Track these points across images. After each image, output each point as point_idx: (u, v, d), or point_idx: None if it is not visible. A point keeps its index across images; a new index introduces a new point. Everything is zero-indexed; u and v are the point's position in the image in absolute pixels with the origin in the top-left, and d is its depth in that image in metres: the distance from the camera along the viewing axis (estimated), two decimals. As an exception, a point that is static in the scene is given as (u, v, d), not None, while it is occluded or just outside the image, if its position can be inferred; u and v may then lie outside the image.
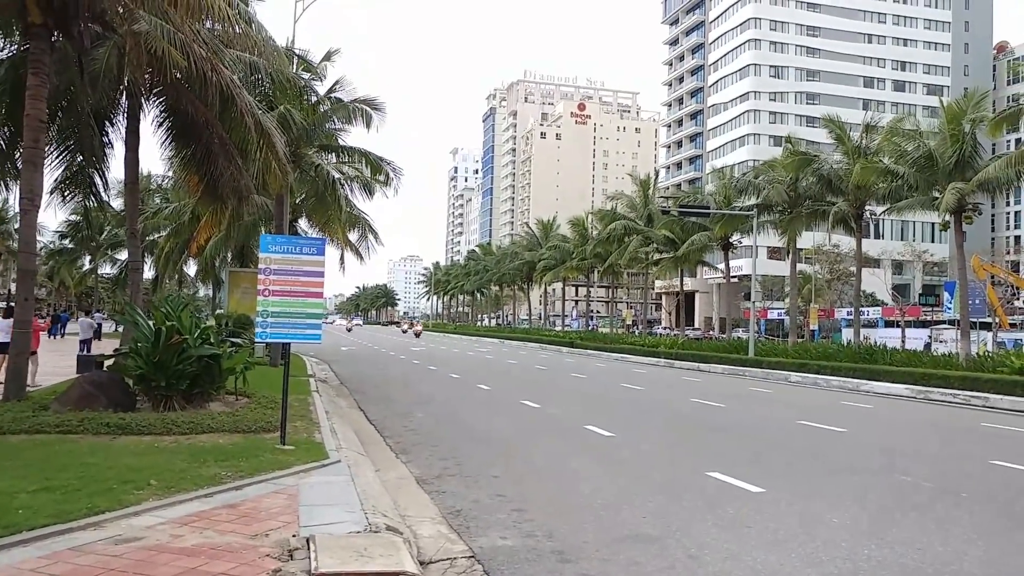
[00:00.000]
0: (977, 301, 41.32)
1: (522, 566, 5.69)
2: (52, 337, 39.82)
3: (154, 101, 15.33)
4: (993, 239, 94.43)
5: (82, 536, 5.48)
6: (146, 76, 13.42)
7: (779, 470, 9.81)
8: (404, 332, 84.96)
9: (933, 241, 79.53)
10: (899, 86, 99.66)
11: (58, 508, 5.94)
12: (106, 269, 66.49)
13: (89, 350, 24.77)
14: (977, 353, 27.49)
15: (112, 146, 16.71)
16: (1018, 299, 60.51)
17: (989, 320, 45.17)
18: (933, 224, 48.72)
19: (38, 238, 56.31)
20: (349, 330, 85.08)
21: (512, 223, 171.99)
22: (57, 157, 15.84)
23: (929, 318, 56.10)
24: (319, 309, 9.71)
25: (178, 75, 13.07)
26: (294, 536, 5.66)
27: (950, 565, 5.92)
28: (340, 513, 6.42)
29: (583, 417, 14.68)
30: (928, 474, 9.73)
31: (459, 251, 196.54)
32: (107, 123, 16.35)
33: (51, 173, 15.83)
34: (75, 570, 4.80)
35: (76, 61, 13.34)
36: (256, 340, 10.37)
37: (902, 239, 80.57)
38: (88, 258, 64.16)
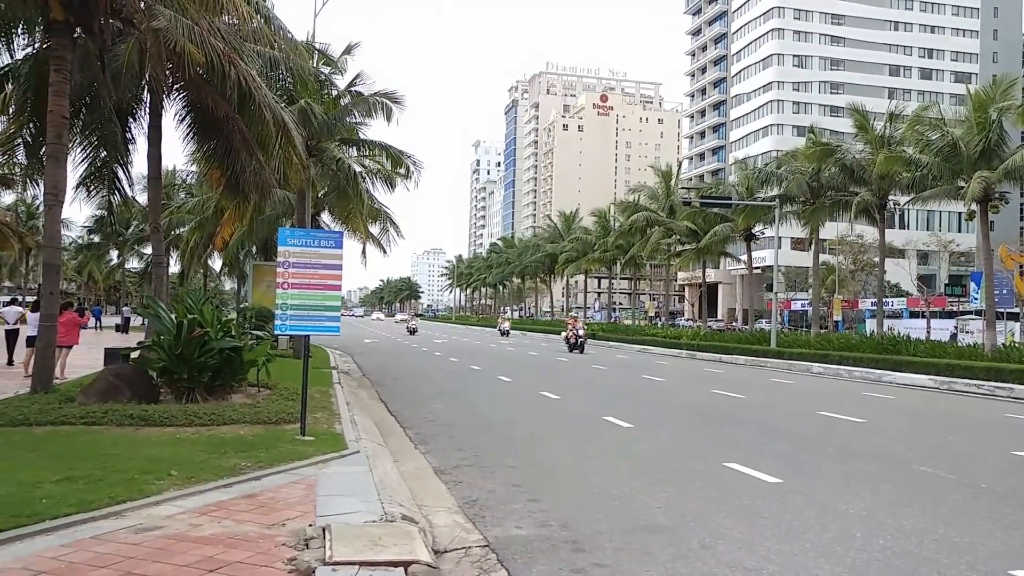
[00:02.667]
0: (1004, 291, 40.76)
1: (536, 556, 5.73)
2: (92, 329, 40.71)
3: (175, 96, 15.51)
4: (1022, 228, 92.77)
5: (103, 525, 5.60)
6: (167, 72, 13.57)
7: (797, 461, 9.77)
8: (505, 334, 60.11)
9: (960, 231, 78.39)
10: (926, 74, 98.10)
11: (80, 498, 6.06)
12: (133, 263, 67.38)
13: None
14: (1003, 344, 27.14)
15: (135, 141, 16.99)
16: (1047, 289, 59.45)
17: (1017, 310, 44.51)
18: (959, 214, 48.07)
19: (66, 233, 56.78)
20: (413, 331, 58.88)
21: (534, 215, 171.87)
22: (81, 153, 16.09)
23: (955, 308, 55.42)
24: (337, 302, 9.80)
25: (199, 70, 13.20)
26: (310, 526, 5.74)
27: (965, 556, 5.89)
28: (357, 503, 6.48)
29: (602, 408, 14.69)
30: (947, 465, 9.64)
31: (482, 244, 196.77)
32: (130, 119, 16.56)
33: (76, 169, 16.12)
34: (96, 558, 4.91)
35: (98, 57, 13.52)
36: (276, 332, 10.49)
37: (928, 229, 79.44)
38: (115, 252, 65.00)
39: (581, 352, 35.96)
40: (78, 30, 12.91)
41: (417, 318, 76.46)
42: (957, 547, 6.11)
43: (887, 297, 54.01)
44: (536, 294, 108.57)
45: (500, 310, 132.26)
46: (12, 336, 20.17)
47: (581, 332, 37.03)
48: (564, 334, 39.09)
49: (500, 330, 62.60)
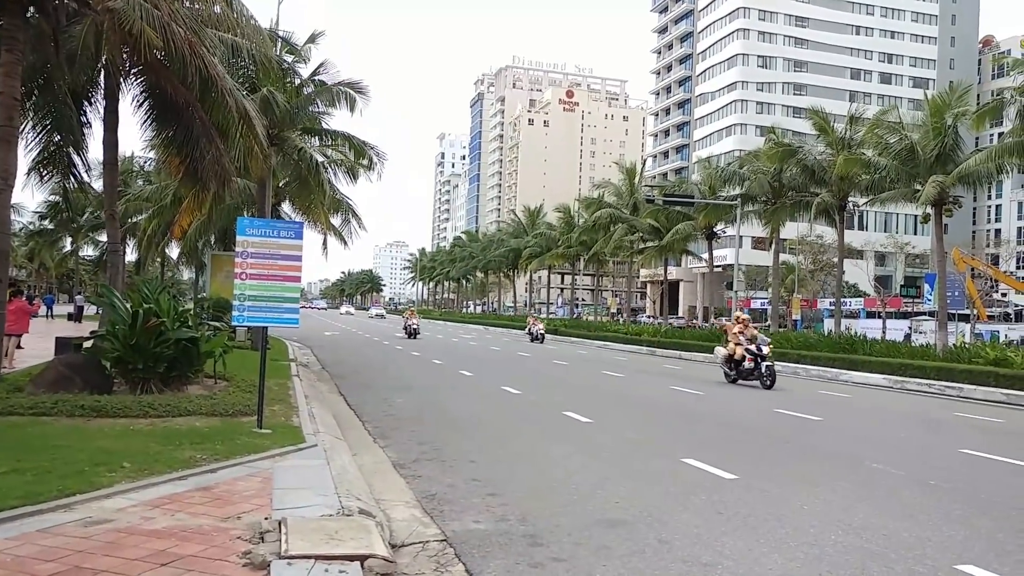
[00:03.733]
0: (956, 293, 41.79)
1: (493, 550, 5.73)
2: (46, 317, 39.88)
3: (133, 81, 15.14)
4: (974, 232, 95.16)
5: (52, 518, 5.45)
6: (124, 55, 13.25)
7: (753, 457, 9.89)
8: (538, 338, 42.97)
9: (916, 233, 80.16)
10: (885, 78, 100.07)
11: (28, 490, 5.90)
12: (88, 251, 65.84)
13: None
14: (954, 344, 27.80)
15: (91, 126, 16.51)
16: (996, 291, 61.16)
17: (968, 312, 45.66)
18: (915, 216, 49.16)
19: (16, 218, 54.90)
20: (413, 334, 42.01)
21: (499, 210, 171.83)
22: (34, 136, 15.64)
23: (910, 309, 56.68)
24: (296, 293, 9.68)
25: (158, 55, 12.91)
26: (266, 519, 5.66)
27: (913, 550, 6.01)
28: (314, 496, 6.42)
29: (563, 403, 14.74)
30: (899, 462, 9.84)
31: (445, 237, 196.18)
32: (85, 102, 16.12)
33: (28, 153, 15.68)
34: (43, 551, 4.78)
35: (52, 38, 13.12)
36: (233, 324, 10.33)
37: (885, 231, 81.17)
38: (69, 240, 63.48)
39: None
40: (31, 9, 12.54)
41: (417, 315, 47.87)
42: (906, 542, 6.24)
43: (845, 297, 55.02)
44: (499, 289, 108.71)
45: (464, 304, 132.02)
46: None
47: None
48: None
49: (532, 333, 44.20)
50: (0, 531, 5.12)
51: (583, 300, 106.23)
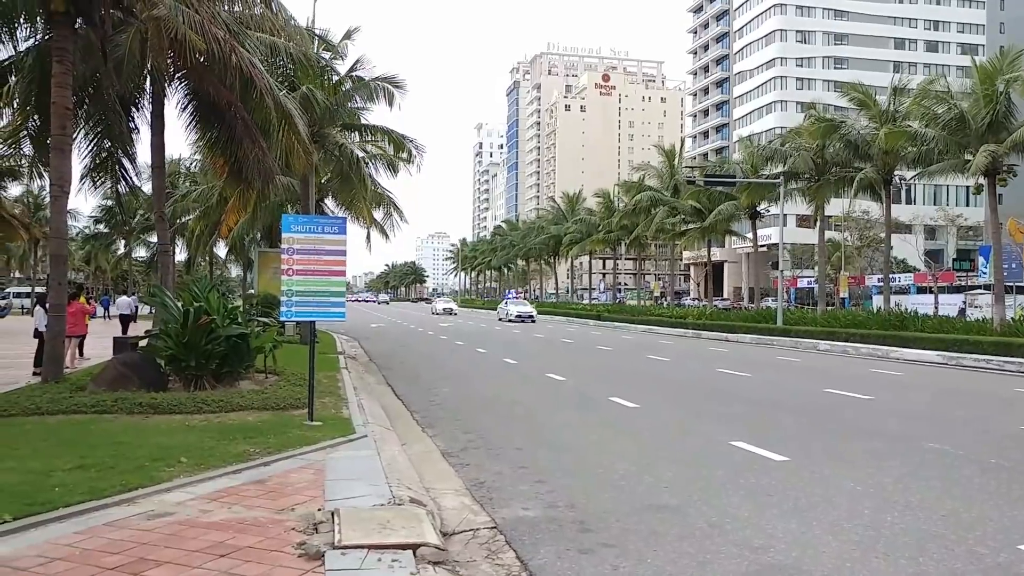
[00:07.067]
0: (1013, 265, 40.57)
1: (543, 536, 5.77)
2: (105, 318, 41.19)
3: (177, 85, 15.46)
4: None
5: (116, 512, 5.66)
6: (168, 61, 13.54)
7: (803, 439, 9.79)
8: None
9: (968, 205, 77.77)
10: (932, 46, 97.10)
11: (92, 485, 6.13)
12: (140, 252, 67.47)
13: None
14: (1012, 318, 27.05)
15: (139, 131, 16.88)
16: (1056, 262, 59.13)
17: (1026, 284, 44.28)
18: (967, 188, 47.81)
19: (73, 223, 56.48)
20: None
21: (538, 197, 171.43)
22: (86, 144, 16.08)
23: (964, 283, 55.15)
24: (342, 287, 9.83)
25: (200, 58, 13.15)
26: (319, 510, 5.78)
27: (974, 531, 5.90)
28: (365, 487, 6.53)
29: (608, 389, 14.72)
30: (956, 441, 9.64)
31: (486, 226, 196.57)
32: (133, 108, 16.49)
33: (81, 159, 16.13)
34: (109, 544, 4.97)
35: (100, 48, 13.47)
36: (281, 319, 10.53)
37: (935, 204, 78.97)
38: (123, 242, 65.11)
39: None
40: (79, 21, 12.89)
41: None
42: (965, 522, 6.12)
43: (894, 273, 53.85)
44: (541, 276, 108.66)
45: (504, 293, 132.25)
46: (125, 321, 26.58)
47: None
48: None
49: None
50: (68, 525, 5.33)
51: (625, 284, 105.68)
